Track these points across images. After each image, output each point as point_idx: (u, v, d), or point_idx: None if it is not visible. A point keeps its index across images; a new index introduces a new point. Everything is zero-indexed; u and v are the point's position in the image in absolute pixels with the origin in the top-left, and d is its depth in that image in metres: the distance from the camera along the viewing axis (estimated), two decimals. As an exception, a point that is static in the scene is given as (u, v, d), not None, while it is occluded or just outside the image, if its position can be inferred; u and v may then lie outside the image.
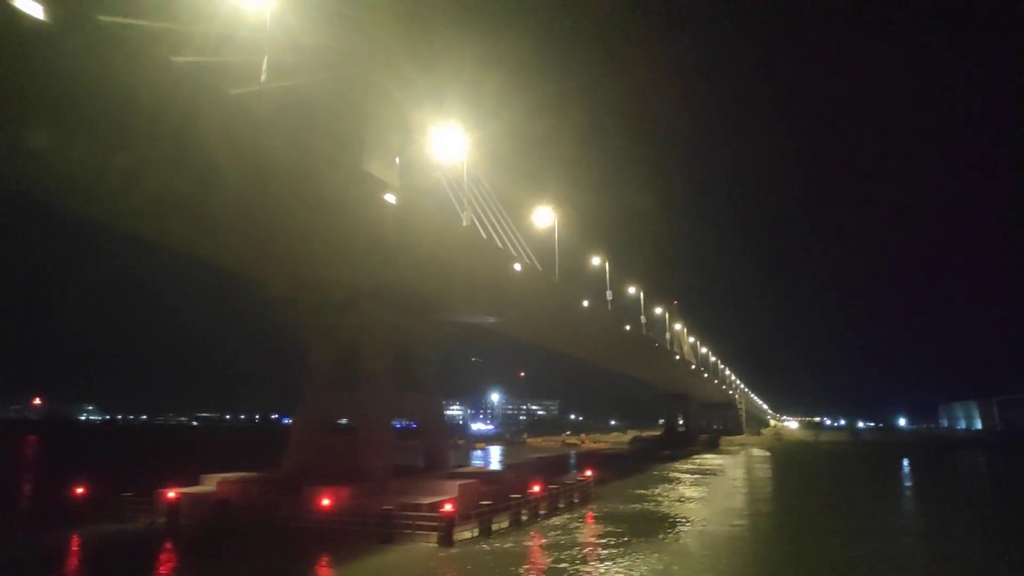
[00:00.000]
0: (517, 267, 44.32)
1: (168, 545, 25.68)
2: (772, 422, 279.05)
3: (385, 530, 25.64)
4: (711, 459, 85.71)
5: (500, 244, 44.47)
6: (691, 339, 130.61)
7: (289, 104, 25.25)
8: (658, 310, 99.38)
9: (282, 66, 24.54)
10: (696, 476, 58.66)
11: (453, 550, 24.52)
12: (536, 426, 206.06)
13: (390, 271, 33.92)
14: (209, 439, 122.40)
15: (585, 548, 25.26)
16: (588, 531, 29.28)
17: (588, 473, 41.79)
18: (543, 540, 26.84)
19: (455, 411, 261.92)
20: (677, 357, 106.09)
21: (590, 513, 33.90)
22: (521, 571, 21.72)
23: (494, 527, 28.01)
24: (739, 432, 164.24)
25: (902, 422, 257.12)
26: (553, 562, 22.96)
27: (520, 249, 49.00)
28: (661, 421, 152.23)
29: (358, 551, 23.91)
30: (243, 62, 23.55)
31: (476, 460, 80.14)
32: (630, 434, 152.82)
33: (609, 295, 66.82)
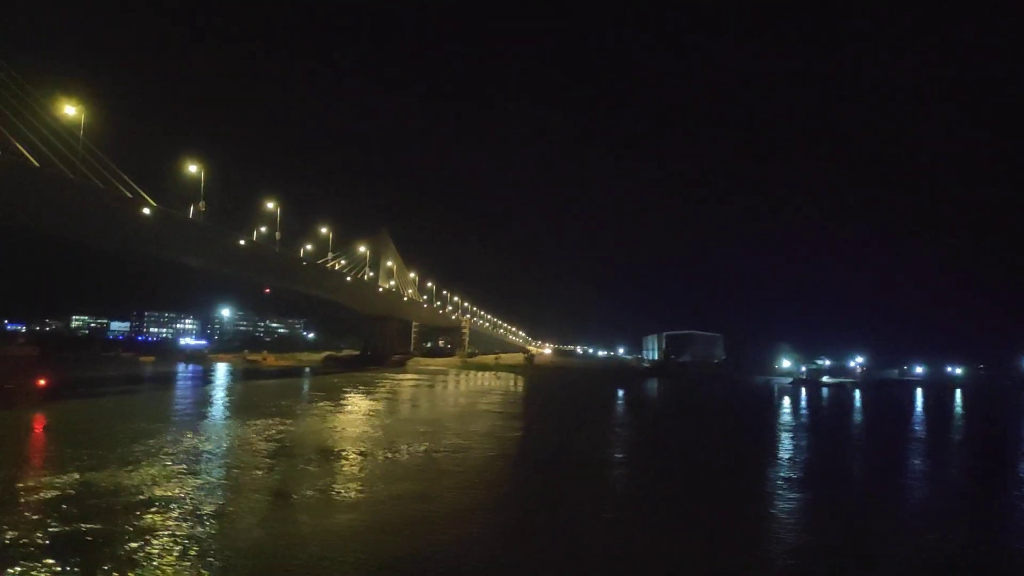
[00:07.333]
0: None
1: None
2: (530, 348, 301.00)
3: None
4: (374, 377, 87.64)
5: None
6: (389, 263, 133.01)
7: None
8: (325, 230, 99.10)
9: None
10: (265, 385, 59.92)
11: None
12: (270, 345, 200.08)
13: None
14: None
15: None
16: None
17: (41, 382, 40.41)
18: None
19: (188, 325, 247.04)
20: (348, 279, 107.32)
21: None
22: None
23: None
24: (450, 355, 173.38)
25: (621, 351, 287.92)
26: None
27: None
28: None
29: None
30: None
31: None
32: (334, 353, 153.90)
33: (202, 205, 64.44)
